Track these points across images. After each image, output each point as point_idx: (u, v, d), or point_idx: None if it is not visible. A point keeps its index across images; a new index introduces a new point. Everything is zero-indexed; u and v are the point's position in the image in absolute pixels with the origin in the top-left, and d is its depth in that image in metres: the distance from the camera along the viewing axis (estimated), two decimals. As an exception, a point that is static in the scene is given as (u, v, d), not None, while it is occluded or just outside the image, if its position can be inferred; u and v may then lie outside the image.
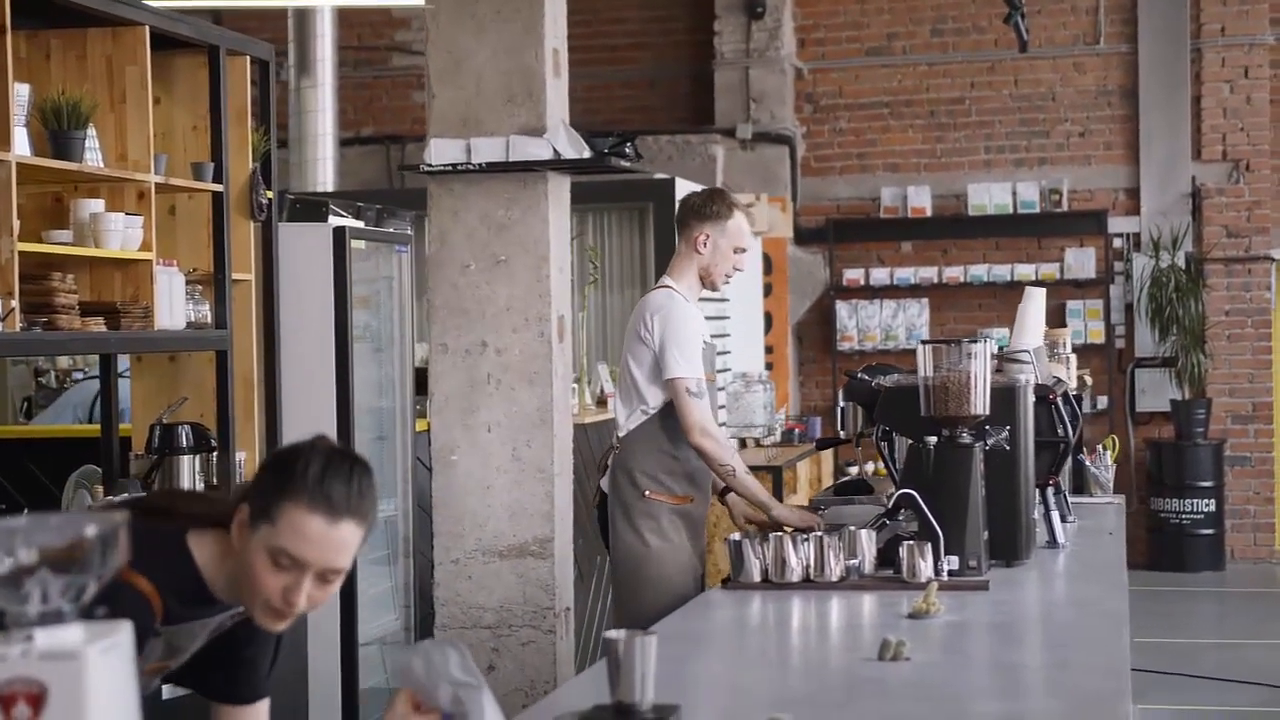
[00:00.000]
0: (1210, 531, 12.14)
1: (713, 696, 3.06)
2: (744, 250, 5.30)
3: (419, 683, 2.50)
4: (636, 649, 2.71)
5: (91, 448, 5.77)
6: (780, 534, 4.29)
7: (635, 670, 2.72)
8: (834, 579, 4.20)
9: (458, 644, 2.50)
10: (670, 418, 5.13)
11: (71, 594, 1.77)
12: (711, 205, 5.25)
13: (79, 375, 8.63)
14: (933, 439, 4.38)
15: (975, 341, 4.39)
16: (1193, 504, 12.10)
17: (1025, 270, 12.45)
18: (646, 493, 5.14)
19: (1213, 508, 12.12)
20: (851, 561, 4.25)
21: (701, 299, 8.90)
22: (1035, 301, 5.49)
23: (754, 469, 9.04)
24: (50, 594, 1.76)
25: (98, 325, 4.90)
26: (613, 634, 2.73)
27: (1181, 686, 8.48)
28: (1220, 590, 11.74)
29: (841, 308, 12.78)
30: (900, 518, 4.45)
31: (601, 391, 8.10)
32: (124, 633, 1.80)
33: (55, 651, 1.73)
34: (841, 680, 3.19)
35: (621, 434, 5.23)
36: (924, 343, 4.43)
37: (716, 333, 10.04)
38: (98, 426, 5.77)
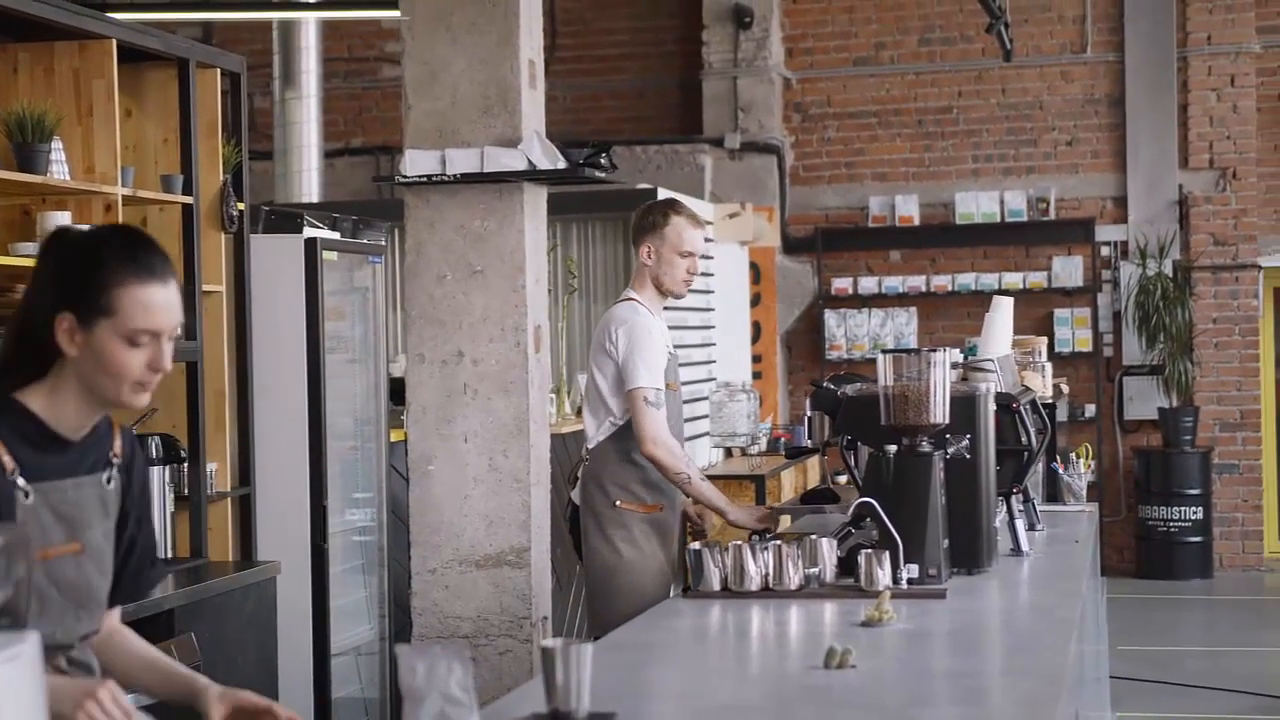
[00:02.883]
0: (1198, 539, 12.14)
1: (653, 704, 3.08)
2: (690, 254, 5.36)
3: (411, 686, 2.52)
4: (571, 658, 2.74)
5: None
6: (739, 543, 4.30)
7: (571, 679, 2.74)
8: (793, 587, 4.21)
9: (466, 659, 2.52)
10: None
11: (-26, 604, 1.79)
12: (648, 217, 5.38)
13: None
14: (892, 448, 4.39)
15: (935, 350, 4.41)
16: (1180, 512, 12.10)
17: (1013, 279, 12.46)
18: (617, 503, 5.22)
19: (1201, 515, 12.12)
20: (812, 570, 4.26)
21: (681, 308, 8.92)
22: (1002, 311, 5.50)
23: (737, 478, 9.12)
24: (-48, 604, 1.78)
25: (65, 337, 4.91)
26: (548, 643, 2.75)
27: (1166, 694, 8.48)
28: (1208, 598, 11.73)
29: (830, 317, 12.80)
30: (863, 526, 4.46)
31: (581, 401, 8.12)
32: (30, 643, 1.82)
33: (-44, 662, 1.75)
34: (785, 688, 3.20)
35: (590, 445, 5.33)
36: (884, 352, 4.45)
37: (702, 341, 10.09)
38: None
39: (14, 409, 2.68)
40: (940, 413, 4.38)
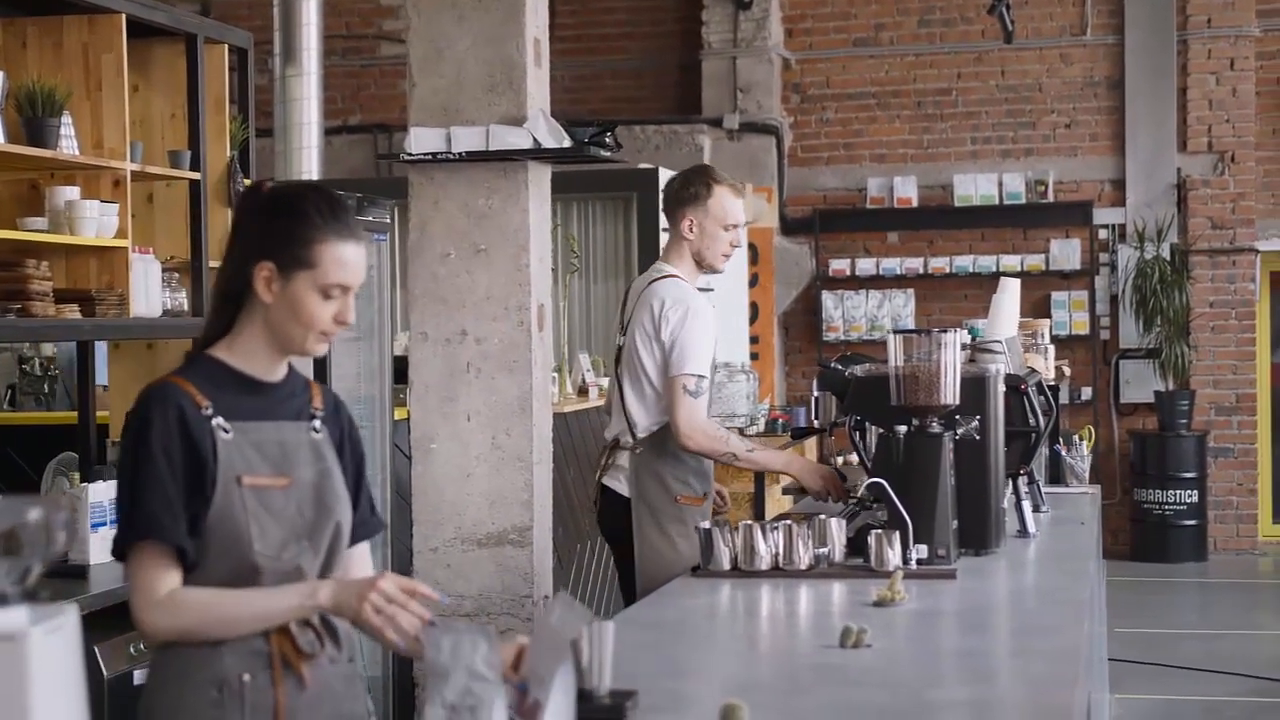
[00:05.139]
0: (1193, 522, 12.18)
1: (672, 682, 3.08)
2: (734, 226, 5.12)
3: (437, 662, 2.53)
4: (594, 636, 2.74)
5: (73, 434, 5.78)
6: (749, 522, 4.30)
7: (592, 657, 2.75)
8: (803, 567, 4.22)
9: (491, 636, 2.54)
10: None
11: (15, 576, 1.79)
12: (689, 187, 5.13)
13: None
14: (902, 428, 4.39)
15: (945, 331, 4.41)
16: (1176, 495, 12.13)
17: (1011, 261, 12.47)
18: (678, 498, 5.04)
19: (1196, 499, 12.16)
20: (821, 550, 4.27)
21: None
22: (1009, 292, 5.50)
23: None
24: (-6, 576, 1.78)
25: (73, 312, 4.91)
26: (570, 620, 2.75)
27: (1161, 676, 8.51)
28: (1202, 581, 11.78)
29: (827, 298, 12.80)
30: (872, 506, 4.47)
31: (582, 380, 8.12)
32: (70, 616, 1.82)
33: (-2, 633, 1.75)
34: (802, 667, 3.21)
35: (641, 434, 5.08)
36: (895, 332, 4.44)
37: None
38: (75, 414, 5.78)
39: (202, 359, 2.87)
40: (951, 394, 4.37)
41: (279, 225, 2.82)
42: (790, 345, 13.06)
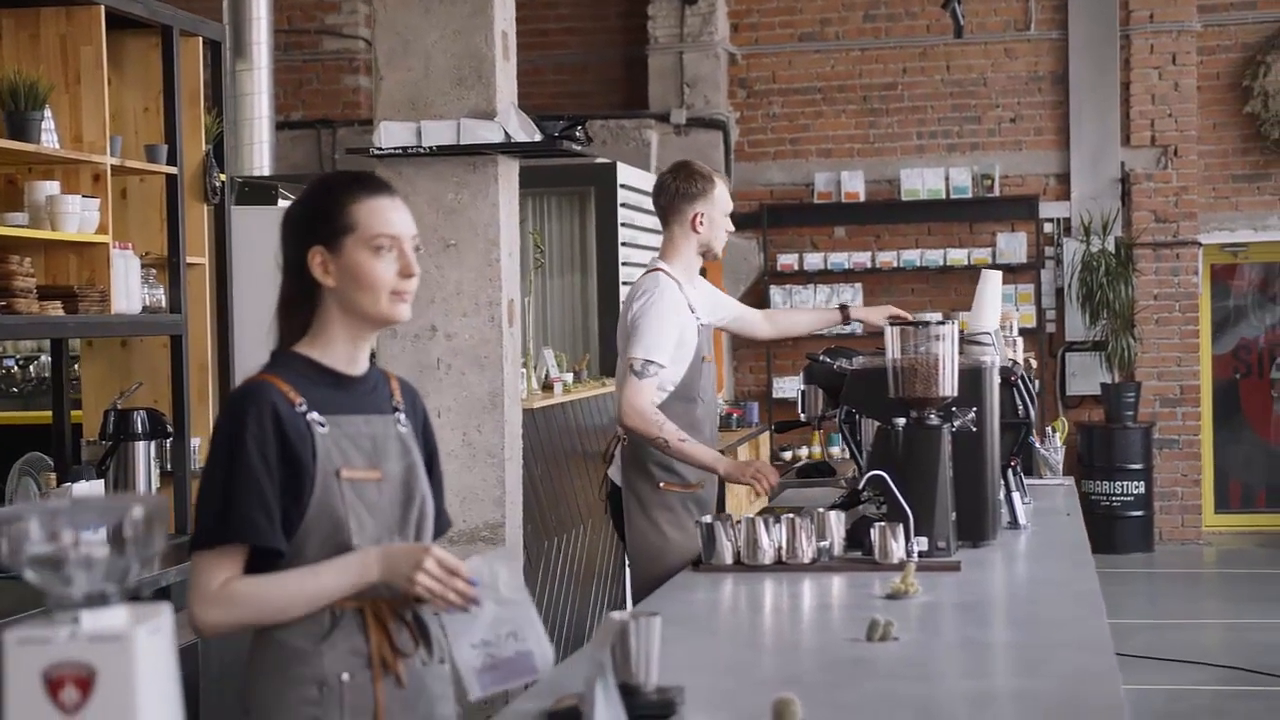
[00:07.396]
0: (1139, 513, 12.29)
1: (711, 678, 3.05)
2: (730, 209, 5.32)
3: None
4: (642, 630, 2.72)
5: (41, 434, 5.69)
6: (752, 516, 4.29)
7: (640, 651, 2.72)
8: (805, 561, 4.21)
9: (508, 559, 2.54)
10: (677, 405, 5.05)
11: (116, 576, 1.75)
12: (695, 184, 5.21)
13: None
14: (901, 420, 4.39)
15: (943, 323, 4.41)
16: (1122, 486, 12.24)
17: (958, 255, 12.54)
18: (661, 484, 5.08)
19: (1142, 490, 12.27)
20: (822, 543, 4.26)
21: (629, 283, 8.84)
22: (992, 283, 5.51)
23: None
24: (95, 576, 1.74)
25: (55, 309, 4.82)
26: (618, 615, 2.72)
27: (1122, 666, 8.56)
28: (1150, 571, 11.89)
29: (776, 293, 12.82)
30: (867, 499, 4.46)
31: (547, 376, 8.08)
32: (165, 616, 1.79)
33: (102, 634, 1.72)
34: (833, 660, 3.19)
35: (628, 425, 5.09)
36: (892, 324, 4.44)
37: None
38: (49, 413, 5.69)
39: (287, 356, 2.85)
40: (949, 385, 4.38)
41: (312, 212, 2.84)
42: (738, 341, 13.04)
